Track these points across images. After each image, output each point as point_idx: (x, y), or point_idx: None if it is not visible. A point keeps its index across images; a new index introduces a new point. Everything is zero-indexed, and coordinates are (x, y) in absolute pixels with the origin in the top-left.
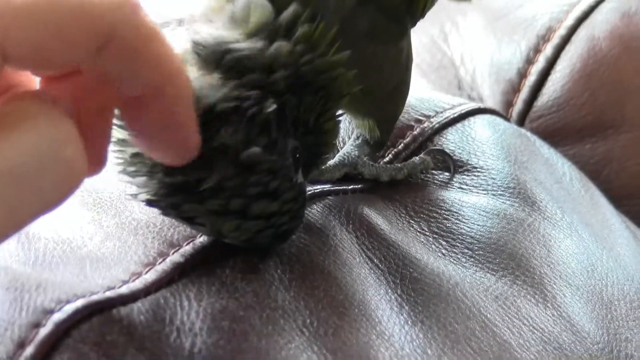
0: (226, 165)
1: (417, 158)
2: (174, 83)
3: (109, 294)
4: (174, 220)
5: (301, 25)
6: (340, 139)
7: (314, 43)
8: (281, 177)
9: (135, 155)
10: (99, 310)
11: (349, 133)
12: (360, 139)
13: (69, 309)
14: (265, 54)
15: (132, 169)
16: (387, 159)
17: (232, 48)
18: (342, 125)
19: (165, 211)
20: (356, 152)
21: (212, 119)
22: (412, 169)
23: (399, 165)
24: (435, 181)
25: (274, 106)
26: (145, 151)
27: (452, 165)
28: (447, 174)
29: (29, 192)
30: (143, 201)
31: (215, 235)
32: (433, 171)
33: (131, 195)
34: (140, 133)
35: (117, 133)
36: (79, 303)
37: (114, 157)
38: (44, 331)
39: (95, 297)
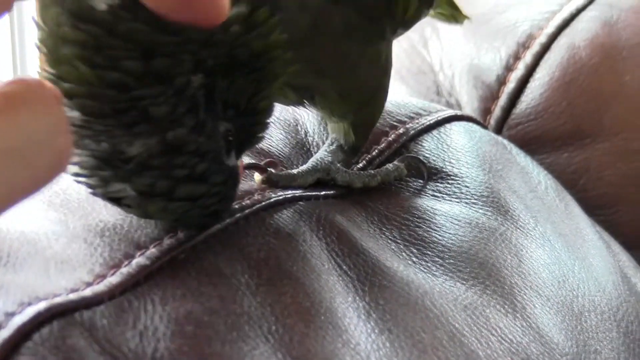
0: (151, 138)
1: (390, 165)
2: None
3: (72, 296)
4: (141, 221)
5: (238, 6)
6: (315, 144)
7: (251, 24)
8: (210, 160)
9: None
10: (61, 313)
11: (324, 138)
12: (334, 144)
13: (30, 311)
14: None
15: None
16: (360, 164)
17: None
18: (316, 129)
19: (94, 190)
20: (329, 157)
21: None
22: (385, 176)
23: (373, 172)
24: (409, 188)
25: (200, 81)
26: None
27: (426, 172)
28: (420, 181)
29: (21, 172)
30: (72, 175)
31: (142, 215)
32: (407, 178)
33: None
34: None
35: None
36: (41, 306)
37: None
38: (4, 334)
39: (58, 300)
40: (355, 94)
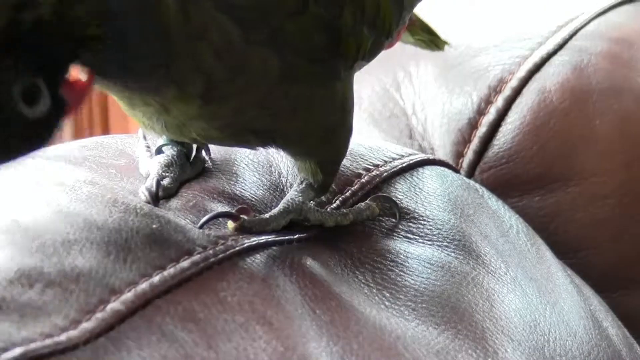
0: None
1: (363, 204)
2: None
3: (47, 342)
4: (116, 265)
5: None
6: (289, 185)
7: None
8: None
9: None
10: (36, 359)
11: (295, 177)
12: (304, 183)
13: (6, 357)
14: None
15: None
16: (334, 205)
17: None
18: (290, 170)
19: None
20: (300, 197)
21: None
22: (357, 215)
23: (345, 210)
24: (382, 229)
25: None
26: None
27: (398, 211)
28: (393, 220)
29: None
30: None
31: None
32: (379, 218)
33: None
34: None
35: None
36: (17, 351)
37: None
38: None
39: (33, 346)
40: (313, 133)
